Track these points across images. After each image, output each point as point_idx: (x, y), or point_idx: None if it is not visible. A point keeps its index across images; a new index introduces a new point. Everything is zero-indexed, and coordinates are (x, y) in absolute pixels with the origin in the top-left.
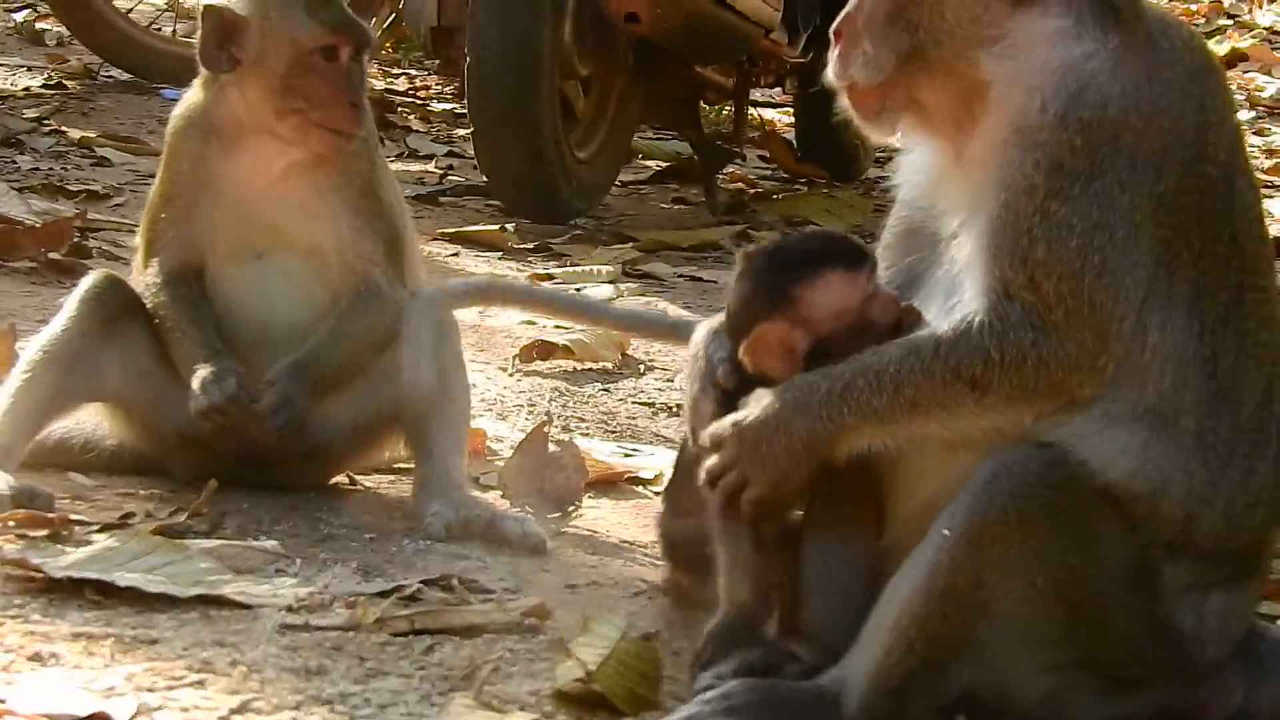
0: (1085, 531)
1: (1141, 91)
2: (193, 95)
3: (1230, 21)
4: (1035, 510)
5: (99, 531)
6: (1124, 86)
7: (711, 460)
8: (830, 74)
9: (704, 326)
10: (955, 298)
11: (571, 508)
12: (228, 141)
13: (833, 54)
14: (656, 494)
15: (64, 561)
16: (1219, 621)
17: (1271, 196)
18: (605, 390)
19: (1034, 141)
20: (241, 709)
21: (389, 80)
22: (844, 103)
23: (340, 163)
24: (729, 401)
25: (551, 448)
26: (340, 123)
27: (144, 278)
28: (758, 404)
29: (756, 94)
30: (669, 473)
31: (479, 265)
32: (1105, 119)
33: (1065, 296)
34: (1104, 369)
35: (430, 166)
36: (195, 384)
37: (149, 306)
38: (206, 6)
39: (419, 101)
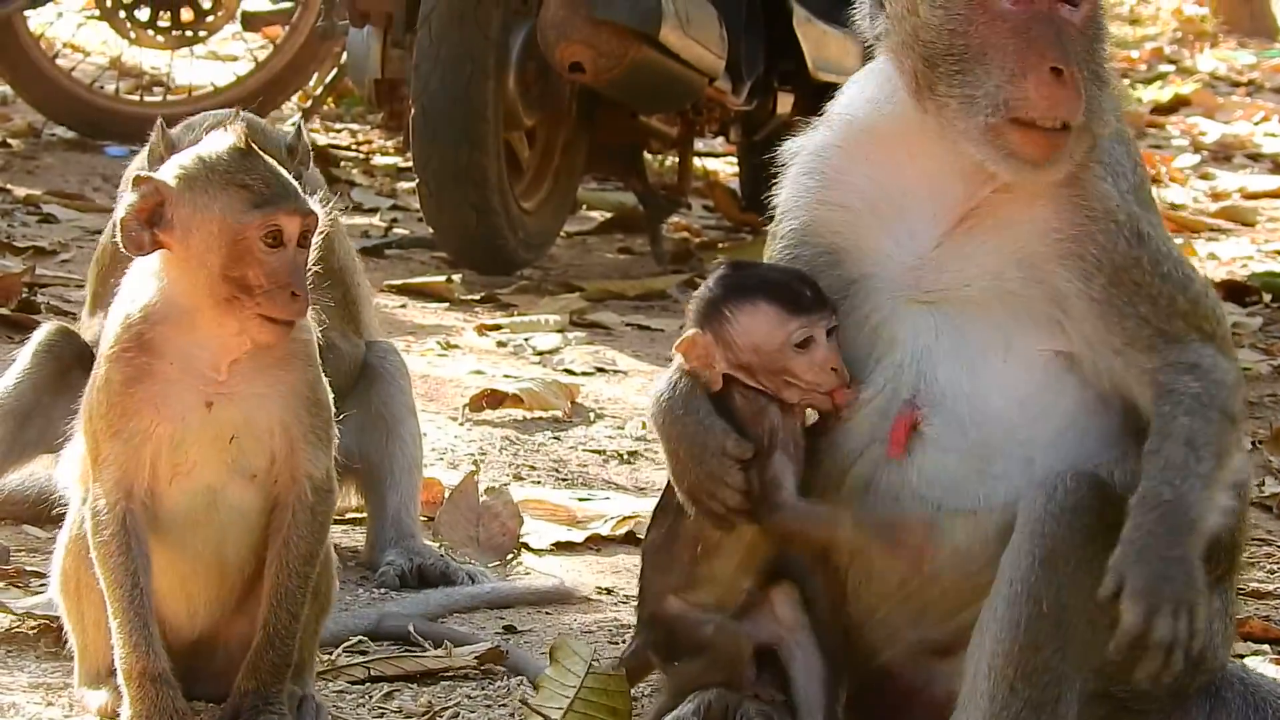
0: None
1: (1136, 159)
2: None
3: (1172, 67)
4: (1091, 523)
5: None
6: (1129, 151)
7: (1157, 634)
8: (1073, 110)
9: (664, 382)
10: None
11: (509, 555)
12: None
13: (1071, 90)
14: (606, 537)
15: (27, 603)
16: (1221, 623)
17: (1217, 239)
18: (556, 438)
19: (1117, 221)
20: None
21: (331, 134)
22: (1059, 140)
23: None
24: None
25: (483, 498)
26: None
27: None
28: (1134, 562)
29: (700, 143)
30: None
31: (426, 317)
32: (1138, 185)
33: (1212, 317)
34: None
35: (375, 220)
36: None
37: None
38: (137, 176)
39: (362, 156)
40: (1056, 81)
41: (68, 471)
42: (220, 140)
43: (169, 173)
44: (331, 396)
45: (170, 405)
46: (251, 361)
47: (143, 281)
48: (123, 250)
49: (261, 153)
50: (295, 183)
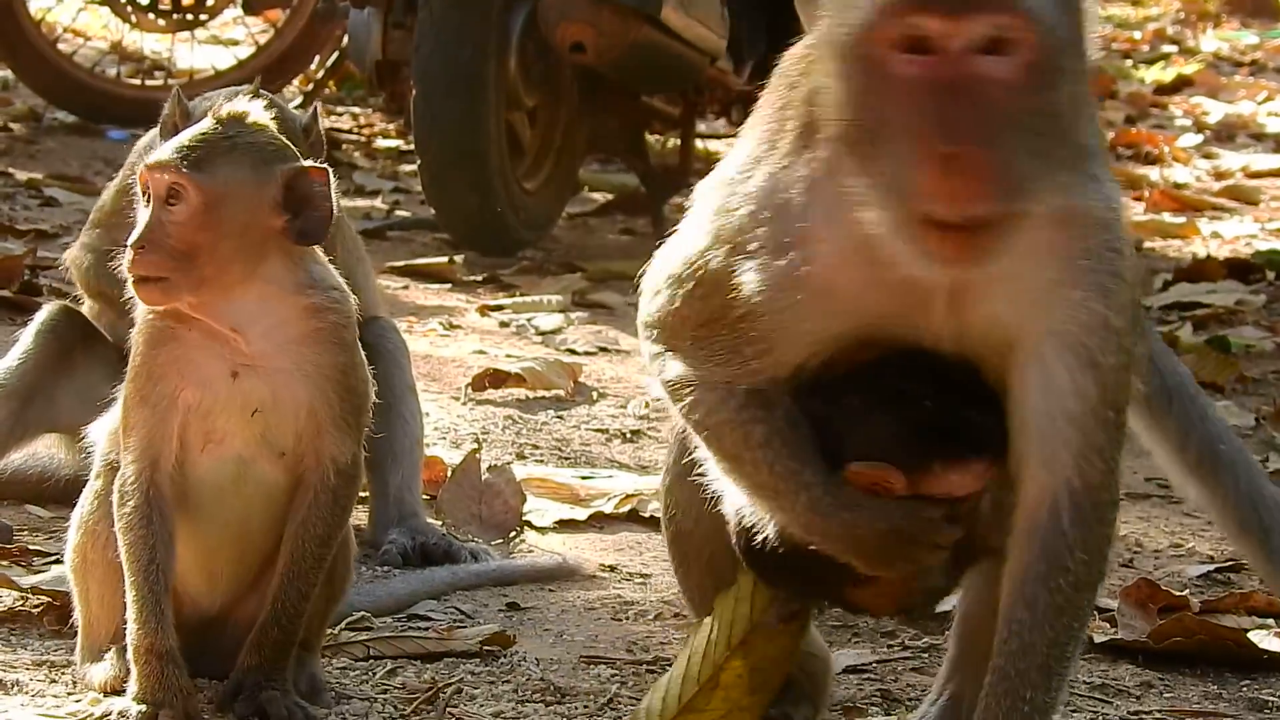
0: None
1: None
2: None
3: (1175, 47)
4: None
5: (57, 562)
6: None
7: None
8: (977, 203)
9: (816, 488)
10: None
11: (512, 533)
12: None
13: (973, 177)
14: (609, 515)
15: (29, 580)
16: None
17: (1220, 219)
18: (559, 417)
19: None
20: None
21: (333, 117)
22: (975, 239)
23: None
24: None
25: (486, 476)
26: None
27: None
28: None
29: (702, 125)
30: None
31: (428, 298)
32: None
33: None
34: None
35: (377, 202)
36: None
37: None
38: None
39: (363, 138)
40: (951, 169)
41: (95, 443)
42: None
43: None
44: (374, 387)
45: (195, 371)
46: (274, 335)
47: None
48: None
49: (217, 121)
50: (197, 144)
